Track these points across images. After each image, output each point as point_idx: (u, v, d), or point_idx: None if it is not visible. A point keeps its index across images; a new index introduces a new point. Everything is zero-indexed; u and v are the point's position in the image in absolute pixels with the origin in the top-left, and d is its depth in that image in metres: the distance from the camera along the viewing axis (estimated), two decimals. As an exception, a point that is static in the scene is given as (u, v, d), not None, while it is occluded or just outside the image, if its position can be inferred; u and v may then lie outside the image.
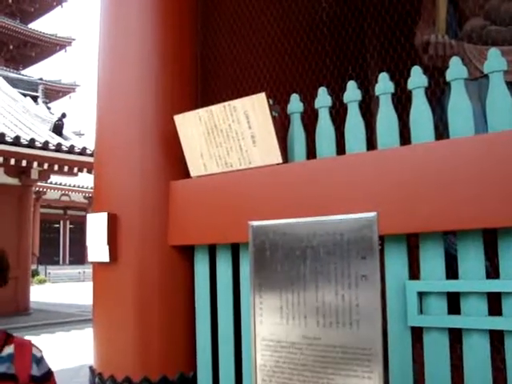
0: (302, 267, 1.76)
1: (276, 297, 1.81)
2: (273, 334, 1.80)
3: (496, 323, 2.04)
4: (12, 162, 11.19)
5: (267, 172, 2.64)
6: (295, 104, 2.77)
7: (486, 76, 2.35)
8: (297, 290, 1.76)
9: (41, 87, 16.79)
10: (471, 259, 2.14)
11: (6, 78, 16.57)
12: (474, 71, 3.20)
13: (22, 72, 29.85)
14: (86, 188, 27.54)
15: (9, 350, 1.71)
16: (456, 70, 2.32)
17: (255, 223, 1.89)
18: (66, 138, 12.90)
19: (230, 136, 2.73)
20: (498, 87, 2.22)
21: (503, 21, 3.23)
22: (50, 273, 26.91)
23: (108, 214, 2.97)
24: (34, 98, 16.08)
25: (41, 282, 24.58)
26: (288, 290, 1.78)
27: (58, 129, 12.99)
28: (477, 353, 2.10)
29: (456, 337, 2.17)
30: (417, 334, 2.25)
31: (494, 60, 2.25)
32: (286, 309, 1.78)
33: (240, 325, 2.74)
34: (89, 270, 25.73)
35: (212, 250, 2.94)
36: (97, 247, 3.01)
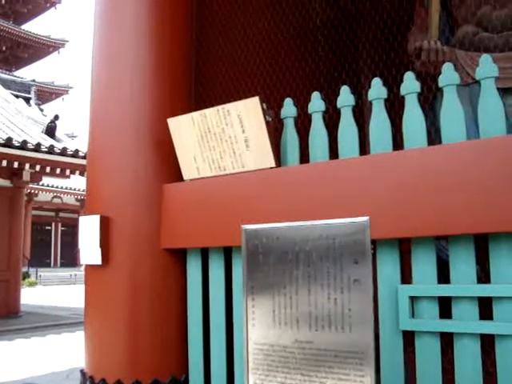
0: (295, 271, 1.76)
1: (268, 300, 1.81)
2: (265, 337, 1.80)
3: (487, 327, 2.06)
4: (4, 163, 11.11)
5: (260, 176, 2.64)
6: (288, 108, 2.78)
7: (478, 82, 2.37)
8: (289, 293, 1.77)
9: (33, 89, 16.70)
10: (462, 264, 2.15)
11: (-1, 80, 16.48)
12: (466, 77, 3.23)
13: (15, 73, 29.69)
14: (78, 190, 27.44)
15: None
16: (448, 76, 2.34)
17: (248, 227, 1.90)
18: (58, 140, 12.84)
19: (224, 140, 2.74)
20: (490, 93, 2.24)
21: (495, 28, 3.27)
22: (41, 275, 26.73)
23: (101, 216, 2.96)
24: (27, 100, 16.00)
25: (32, 284, 24.41)
26: (280, 293, 1.79)
27: (50, 131, 12.93)
28: (468, 357, 2.11)
29: (447, 341, 2.19)
30: (408, 337, 2.26)
31: (485, 66, 2.27)
32: (278, 312, 1.79)
33: (232, 328, 2.74)
34: (80, 272, 25.62)
35: (204, 254, 2.94)
36: (89, 250, 3.00)
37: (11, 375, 6.39)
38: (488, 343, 2.12)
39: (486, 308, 2.11)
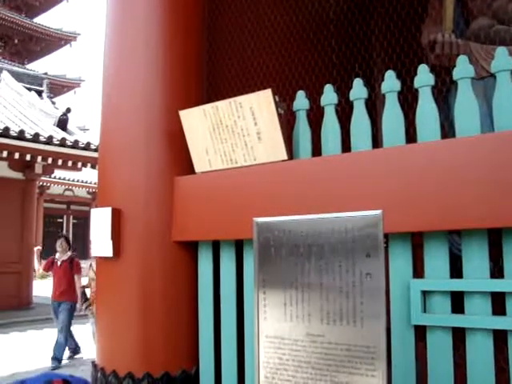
0: (307, 264, 1.75)
1: (280, 294, 1.80)
2: (276, 330, 1.80)
3: (500, 323, 2.04)
4: (16, 156, 11.19)
5: (272, 169, 2.63)
6: (301, 101, 2.77)
7: (492, 75, 2.34)
8: (301, 287, 1.76)
9: (46, 82, 16.77)
10: (476, 259, 2.13)
11: (11, 72, 16.56)
12: (481, 71, 3.19)
13: (27, 66, 29.86)
14: (90, 183, 27.55)
15: None
16: (463, 68, 2.31)
17: (260, 220, 1.89)
18: (70, 133, 12.90)
19: (236, 132, 2.73)
20: (505, 86, 2.21)
21: (511, 20, 3.21)
22: (52, 267, 26.91)
23: (112, 208, 2.97)
24: (39, 93, 16.08)
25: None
26: (292, 287, 1.78)
27: (62, 123, 12.99)
28: (480, 352, 2.09)
29: (459, 336, 2.17)
30: (420, 332, 2.25)
31: (501, 59, 2.24)
32: (289, 306, 1.78)
33: (243, 321, 2.74)
34: (91, 265, 25.71)
35: (216, 246, 2.94)
36: (101, 242, 3.01)
37: (25, 365, 6.47)
38: (501, 339, 2.10)
39: (499, 303, 2.09)
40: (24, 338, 8.74)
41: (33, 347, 7.91)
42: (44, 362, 6.66)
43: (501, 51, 2.25)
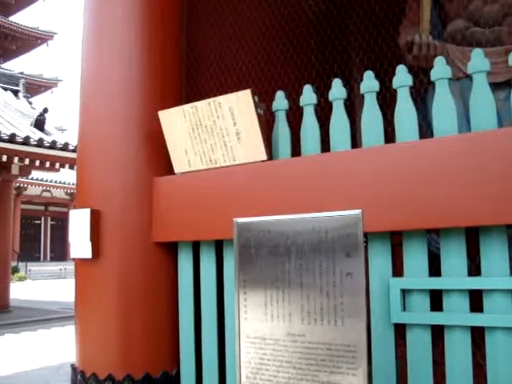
0: (287, 264, 1.76)
1: (260, 294, 1.81)
2: (257, 330, 1.80)
3: (477, 320, 2.07)
4: (-8, 157, 11.04)
5: (252, 169, 2.64)
6: (280, 101, 2.77)
7: (468, 77, 2.37)
8: (281, 287, 1.76)
9: (22, 81, 16.56)
10: (454, 257, 2.16)
11: (-14, 72, 16.31)
12: (457, 72, 3.24)
13: (3, 66, 29.33)
14: (68, 184, 27.27)
15: None
16: (440, 69, 2.34)
17: (240, 220, 1.89)
18: (47, 133, 12.75)
19: (215, 132, 2.72)
20: (482, 87, 2.24)
21: (486, 22, 3.27)
22: (30, 270, 26.57)
23: (91, 210, 2.94)
24: (15, 93, 15.86)
25: (21, 278, 24.28)
26: (272, 287, 1.78)
27: (39, 124, 12.84)
28: (458, 349, 2.12)
29: (438, 333, 2.20)
30: (400, 330, 2.27)
31: (477, 60, 2.27)
32: (270, 306, 1.78)
33: (224, 322, 2.74)
34: (70, 266, 25.49)
35: (196, 247, 2.93)
36: (79, 243, 2.98)
37: (1, 370, 6.37)
38: (478, 335, 2.14)
39: (476, 301, 2.12)
40: (1, 341, 8.60)
41: (10, 351, 7.79)
42: (20, 366, 6.57)
43: (477, 53, 2.28)
